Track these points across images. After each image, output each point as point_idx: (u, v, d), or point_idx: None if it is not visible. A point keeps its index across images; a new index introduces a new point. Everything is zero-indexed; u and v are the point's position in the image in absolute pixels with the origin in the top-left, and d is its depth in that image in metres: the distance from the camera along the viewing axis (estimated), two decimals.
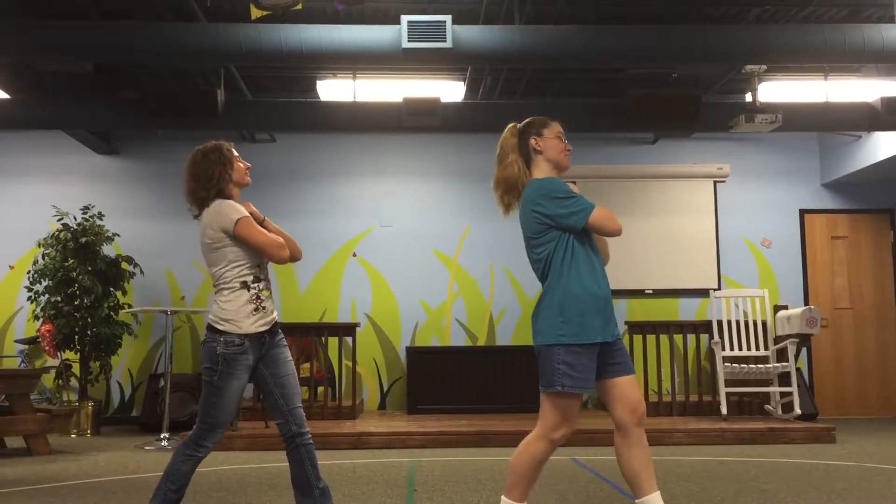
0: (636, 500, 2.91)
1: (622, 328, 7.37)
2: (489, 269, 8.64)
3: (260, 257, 3.08)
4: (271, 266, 3.21)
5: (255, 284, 3.05)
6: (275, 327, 3.12)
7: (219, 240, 3.01)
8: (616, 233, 2.94)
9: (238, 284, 3.02)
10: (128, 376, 8.38)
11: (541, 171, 3.06)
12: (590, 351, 2.84)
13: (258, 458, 5.73)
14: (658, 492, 2.89)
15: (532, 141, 3.06)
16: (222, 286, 3.04)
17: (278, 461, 5.50)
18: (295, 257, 3.18)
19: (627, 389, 2.91)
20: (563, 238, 2.92)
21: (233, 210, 3.01)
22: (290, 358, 3.14)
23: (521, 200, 3.02)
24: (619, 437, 2.92)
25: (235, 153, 3.17)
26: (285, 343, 3.16)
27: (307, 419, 3.10)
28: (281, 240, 3.06)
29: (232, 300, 3.01)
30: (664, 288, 8.61)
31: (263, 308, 3.05)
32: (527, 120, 3.14)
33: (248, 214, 3.05)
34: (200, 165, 3.10)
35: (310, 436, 3.07)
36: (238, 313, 3.00)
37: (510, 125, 3.15)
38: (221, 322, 3.00)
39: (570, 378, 2.82)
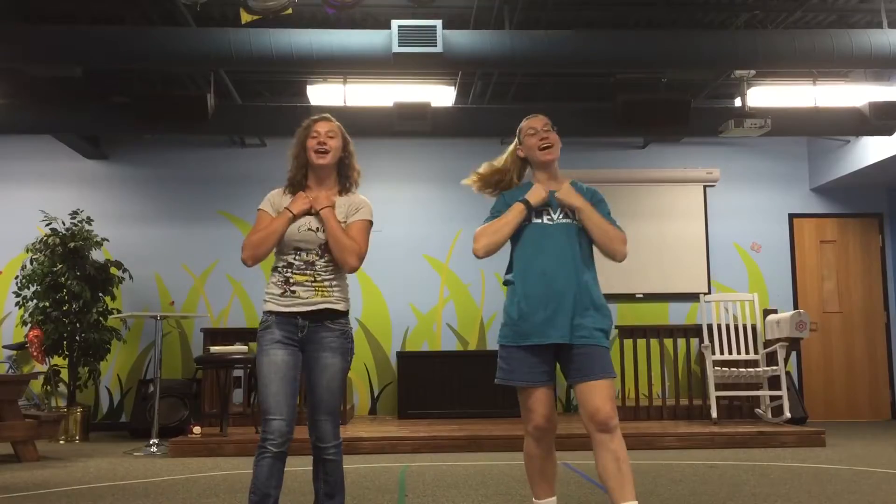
0: None
1: (612, 332, 7.37)
2: (480, 274, 8.64)
3: (291, 248, 3.00)
4: (262, 268, 3.17)
5: (285, 269, 3.00)
6: (320, 315, 2.97)
7: None
8: (476, 252, 3.04)
9: (273, 268, 3.07)
10: (117, 382, 8.33)
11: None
12: (518, 351, 2.93)
13: (249, 463, 5.70)
14: (629, 503, 2.76)
15: (518, 151, 3.14)
16: None
17: None
18: (350, 266, 3.01)
19: (586, 395, 2.86)
20: (511, 244, 3.06)
21: (265, 198, 3.12)
22: (336, 365, 2.98)
23: None
24: (592, 439, 2.90)
25: (316, 129, 3.07)
26: (337, 346, 2.98)
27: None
28: (250, 241, 2.96)
29: (269, 283, 3.06)
30: (654, 292, 8.63)
31: (293, 292, 2.96)
32: None
33: (262, 208, 3.08)
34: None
35: (332, 451, 2.98)
36: (268, 294, 3.03)
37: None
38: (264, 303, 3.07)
39: (501, 370, 2.99)
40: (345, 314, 3.06)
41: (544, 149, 3.03)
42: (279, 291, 2.98)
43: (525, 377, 2.92)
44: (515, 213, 2.98)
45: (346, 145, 3.13)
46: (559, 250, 2.94)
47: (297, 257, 3.00)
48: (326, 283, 3.00)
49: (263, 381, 2.90)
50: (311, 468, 3.06)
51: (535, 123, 3.07)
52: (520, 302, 2.94)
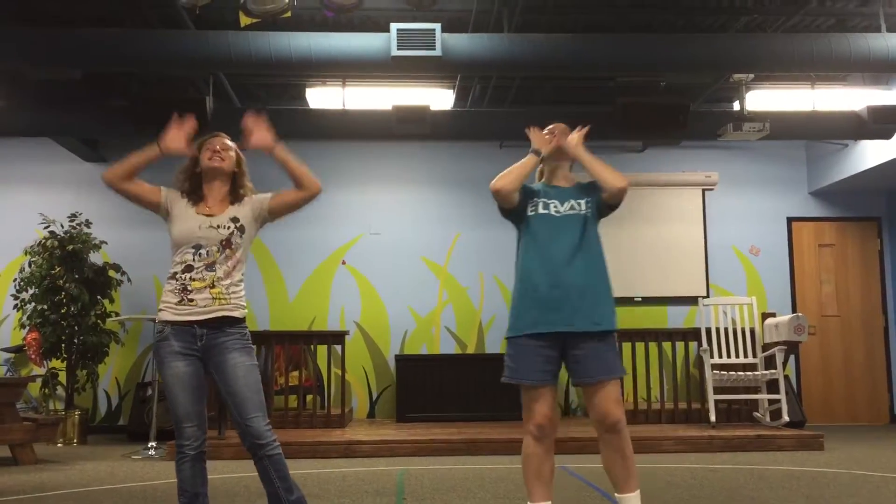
0: (614, 495, 3.04)
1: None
2: (478, 277, 8.64)
3: (190, 245, 2.99)
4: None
5: (184, 275, 2.97)
6: (218, 322, 2.96)
7: None
8: (493, 190, 3.03)
9: (170, 274, 3.03)
10: (115, 385, 8.32)
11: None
12: (525, 344, 2.96)
13: (247, 466, 5.69)
14: (632, 493, 2.97)
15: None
16: None
17: None
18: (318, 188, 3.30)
19: (594, 400, 2.97)
20: (518, 233, 3.14)
21: (168, 187, 3.19)
22: (246, 362, 2.95)
23: None
24: (599, 437, 3.05)
25: (211, 142, 3.20)
26: (241, 346, 2.97)
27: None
28: (114, 171, 3.26)
29: (166, 290, 3.03)
30: (653, 296, 8.63)
31: (190, 300, 2.94)
32: None
33: (160, 186, 3.22)
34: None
35: (274, 445, 2.92)
36: (164, 302, 3.01)
37: None
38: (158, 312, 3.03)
39: (508, 369, 3.02)
40: (242, 321, 3.04)
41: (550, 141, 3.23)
42: (175, 300, 2.96)
43: (530, 376, 2.95)
44: (528, 159, 3.12)
45: (241, 163, 3.23)
46: (566, 240, 2.99)
47: (196, 257, 2.98)
48: (224, 290, 2.99)
49: (171, 393, 2.93)
50: (258, 475, 2.96)
51: (554, 127, 3.31)
52: (527, 291, 2.98)
